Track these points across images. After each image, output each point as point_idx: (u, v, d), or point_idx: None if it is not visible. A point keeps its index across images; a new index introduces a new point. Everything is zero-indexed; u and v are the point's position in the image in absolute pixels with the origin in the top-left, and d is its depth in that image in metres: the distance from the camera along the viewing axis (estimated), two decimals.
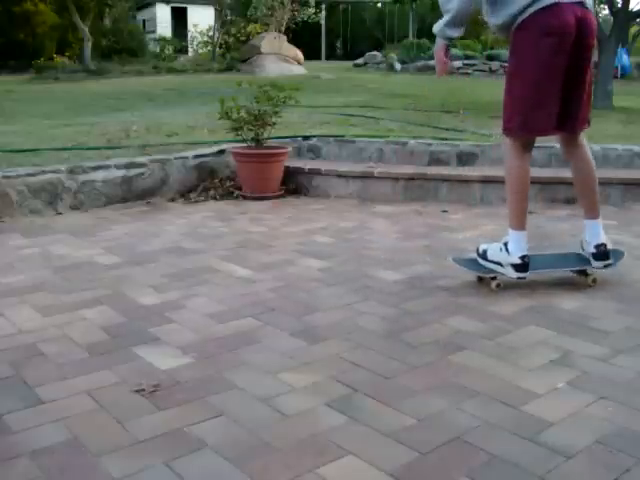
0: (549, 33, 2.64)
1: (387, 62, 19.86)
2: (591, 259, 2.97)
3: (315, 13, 22.41)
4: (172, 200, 4.78)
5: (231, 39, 20.66)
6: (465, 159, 5.23)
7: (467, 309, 2.68)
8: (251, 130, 4.97)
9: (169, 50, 23.97)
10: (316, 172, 5.07)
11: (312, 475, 1.60)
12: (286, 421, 1.84)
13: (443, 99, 9.64)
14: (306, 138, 5.69)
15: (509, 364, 2.19)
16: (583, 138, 2.94)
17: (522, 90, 2.76)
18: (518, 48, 2.76)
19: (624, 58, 16.09)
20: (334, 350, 2.29)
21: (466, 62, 18.80)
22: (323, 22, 28.18)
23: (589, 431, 1.78)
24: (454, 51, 19.38)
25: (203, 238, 3.78)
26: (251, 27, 20.04)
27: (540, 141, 5.62)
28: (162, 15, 30.02)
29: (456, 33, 2.85)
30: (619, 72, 14.97)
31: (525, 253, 2.85)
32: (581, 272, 3.02)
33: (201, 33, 23.85)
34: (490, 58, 19.05)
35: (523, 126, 2.78)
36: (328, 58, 29.64)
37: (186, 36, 26.49)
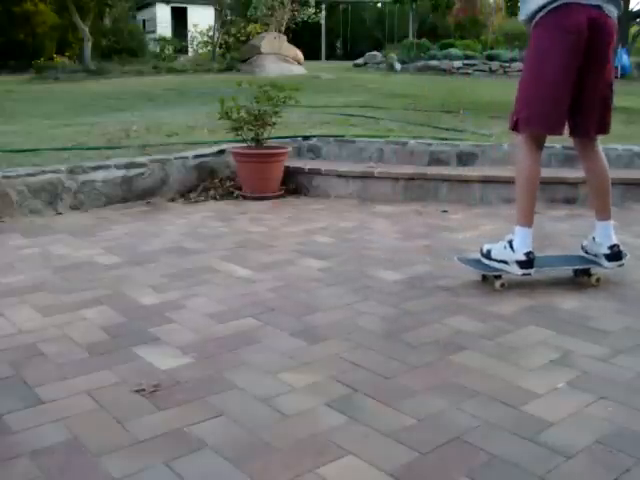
0: (563, 32, 2.68)
1: (387, 62, 19.87)
2: (603, 260, 2.98)
3: (315, 13, 22.40)
4: (172, 200, 4.78)
5: (231, 39, 20.67)
6: (465, 159, 5.23)
7: (467, 309, 2.68)
8: (251, 130, 4.97)
9: (169, 50, 23.97)
10: (316, 172, 5.07)
11: (312, 475, 1.60)
12: (286, 421, 1.84)
13: (443, 99, 9.64)
14: (306, 138, 5.69)
15: (509, 364, 2.19)
16: (598, 143, 2.95)
17: (535, 86, 2.81)
18: (534, 45, 2.81)
19: (624, 58, 16.09)
20: (334, 350, 2.29)
21: (466, 62, 18.81)
22: (323, 22, 28.19)
23: (589, 431, 1.78)
24: (454, 51, 19.43)
25: (203, 238, 3.78)
26: (251, 27, 20.05)
27: None
28: (162, 15, 30.03)
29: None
30: (619, 72, 14.97)
31: (530, 250, 2.87)
32: (584, 272, 3.03)
33: (201, 33, 23.85)
34: (490, 58, 19.06)
35: (530, 121, 2.81)
36: (328, 58, 29.65)
37: (186, 36, 26.49)
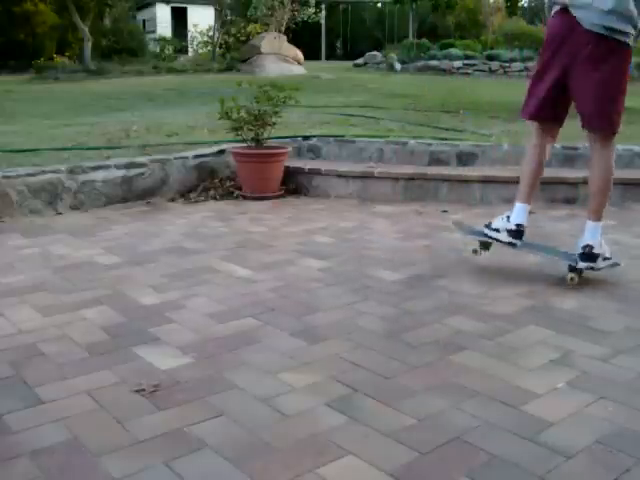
0: (547, 32, 2.98)
1: (387, 62, 19.87)
2: (577, 258, 3.00)
3: (315, 13, 22.38)
4: (172, 200, 4.78)
5: (231, 39, 20.66)
6: (465, 159, 5.23)
7: (467, 309, 2.69)
8: (251, 130, 4.97)
9: (169, 50, 23.97)
10: (316, 172, 5.07)
11: (312, 475, 1.60)
12: (286, 421, 1.84)
13: (443, 99, 9.65)
14: (306, 138, 5.69)
15: (509, 364, 2.19)
16: (601, 143, 3.01)
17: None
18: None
19: None
20: (334, 350, 2.29)
21: (466, 62, 18.82)
22: (323, 22, 28.19)
23: (589, 431, 1.78)
24: (454, 51, 19.43)
25: (203, 238, 3.78)
26: (251, 27, 20.04)
27: None
28: (162, 15, 30.04)
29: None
30: None
31: (521, 222, 3.04)
32: (575, 270, 3.02)
33: (201, 33, 23.85)
34: (490, 58, 19.07)
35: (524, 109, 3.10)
36: (328, 58, 29.66)
37: (186, 36, 26.49)
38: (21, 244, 3.63)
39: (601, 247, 2.99)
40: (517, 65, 18.78)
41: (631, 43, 2.83)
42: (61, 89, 12.62)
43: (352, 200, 4.85)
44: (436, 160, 5.24)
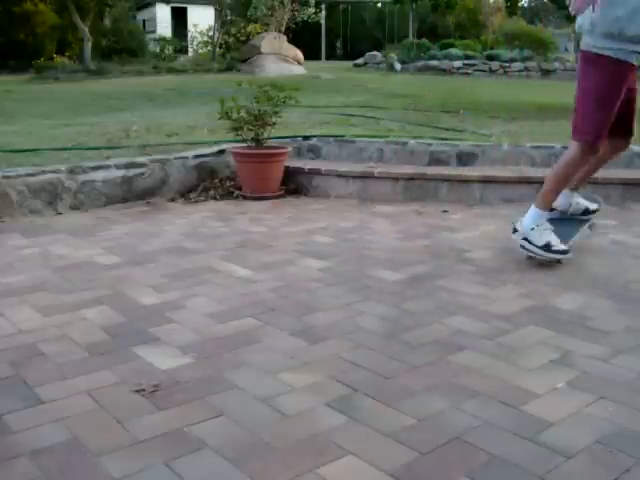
0: None
1: (387, 62, 19.88)
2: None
3: (315, 13, 22.39)
4: (172, 200, 4.78)
5: (231, 39, 20.66)
6: (465, 159, 5.23)
7: (467, 309, 2.69)
8: (251, 130, 4.97)
9: (169, 50, 23.97)
10: (316, 172, 5.07)
11: (312, 475, 1.60)
12: (286, 421, 1.84)
13: (443, 99, 9.65)
14: (306, 138, 5.69)
15: (509, 364, 2.19)
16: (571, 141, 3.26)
17: None
18: None
19: None
20: (334, 350, 2.29)
21: (466, 62, 18.84)
22: (323, 22, 28.19)
23: (589, 431, 1.78)
24: (454, 51, 19.43)
25: (203, 238, 3.78)
26: (251, 27, 20.05)
27: (540, 141, 5.63)
28: (162, 15, 30.04)
29: None
30: None
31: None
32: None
33: (201, 33, 23.85)
34: (490, 58, 19.08)
35: None
36: (328, 58, 29.66)
37: (186, 36, 26.49)
38: (21, 244, 3.63)
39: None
40: (517, 65, 18.80)
41: (621, 57, 3.01)
42: (61, 89, 12.62)
43: (352, 200, 4.85)
44: (436, 160, 5.23)
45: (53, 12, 21.06)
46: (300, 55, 17.77)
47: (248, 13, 20.33)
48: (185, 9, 30.34)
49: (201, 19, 25.10)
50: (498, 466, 1.63)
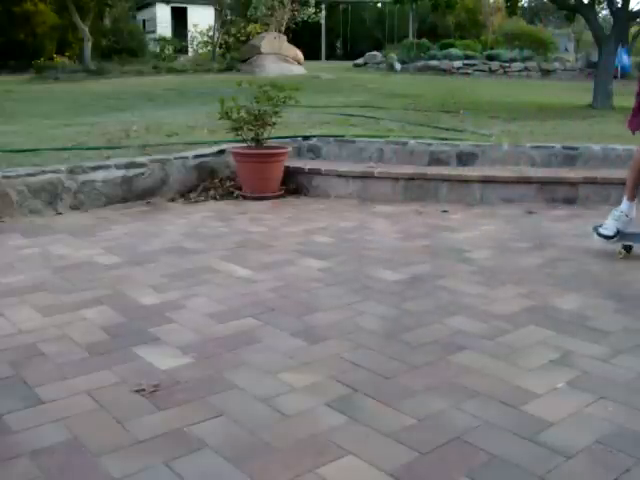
0: None
1: (387, 62, 19.87)
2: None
3: (315, 13, 22.38)
4: (172, 200, 4.78)
5: (231, 39, 20.65)
6: (465, 159, 5.23)
7: (467, 309, 2.69)
8: (251, 130, 4.97)
9: (169, 50, 23.94)
10: (316, 172, 5.07)
11: (312, 475, 1.60)
12: (286, 421, 1.84)
13: (443, 99, 9.65)
14: (306, 138, 5.69)
15: (509, 364, 2.19)
16: None
17: None
18: None
19: (624, 58, 16.10)
20: (334, 350, 2.29)
21: (466, 62, 18.84)
22: (323, 22, 28.16)
23: (589, 431, 1.78)
24: (454, 51, 19.43)
25: (203, 238, 3.78)
26: (251, 27, 20.04)
27: (540, 141, 5.63)
28: (162, 15, 30.00)
29: None
30: (619, 72, 14.98)
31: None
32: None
33: (201, 33, 23.83)
34: (490, 58, 19.08)
35: None
36: (328, 58, 29.63)
37: (186, 36, 26.47)
38: (21, 244, 3.63)
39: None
40: (517, 65, 18.80)
41: None
42: (61, 89, 12.61)
43: (352, 200, 4.84)
44: (436, 160, 5.23)
45: (53, 12, 21.04)
46: (300, 55, 17.77)
47: (248, 13, 20.32)
48: (185, 9, 30.31)
49: (201, 19, 25.07)
50: (498, 466, 1.63)
